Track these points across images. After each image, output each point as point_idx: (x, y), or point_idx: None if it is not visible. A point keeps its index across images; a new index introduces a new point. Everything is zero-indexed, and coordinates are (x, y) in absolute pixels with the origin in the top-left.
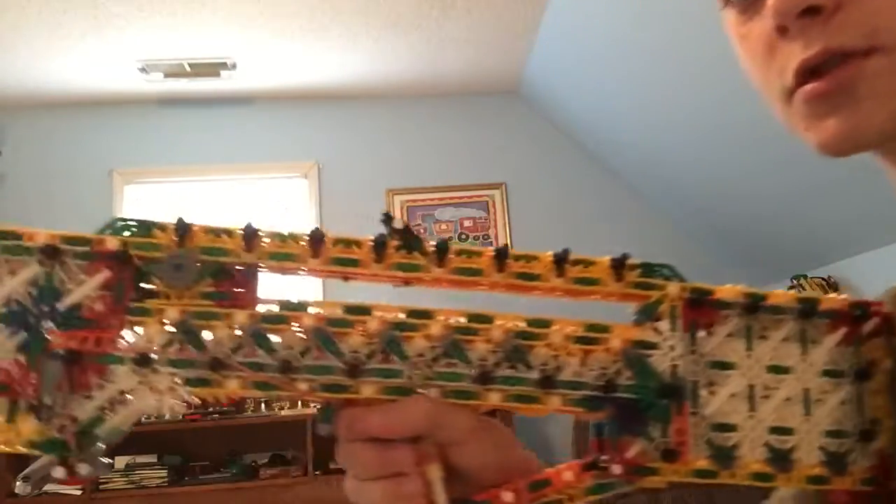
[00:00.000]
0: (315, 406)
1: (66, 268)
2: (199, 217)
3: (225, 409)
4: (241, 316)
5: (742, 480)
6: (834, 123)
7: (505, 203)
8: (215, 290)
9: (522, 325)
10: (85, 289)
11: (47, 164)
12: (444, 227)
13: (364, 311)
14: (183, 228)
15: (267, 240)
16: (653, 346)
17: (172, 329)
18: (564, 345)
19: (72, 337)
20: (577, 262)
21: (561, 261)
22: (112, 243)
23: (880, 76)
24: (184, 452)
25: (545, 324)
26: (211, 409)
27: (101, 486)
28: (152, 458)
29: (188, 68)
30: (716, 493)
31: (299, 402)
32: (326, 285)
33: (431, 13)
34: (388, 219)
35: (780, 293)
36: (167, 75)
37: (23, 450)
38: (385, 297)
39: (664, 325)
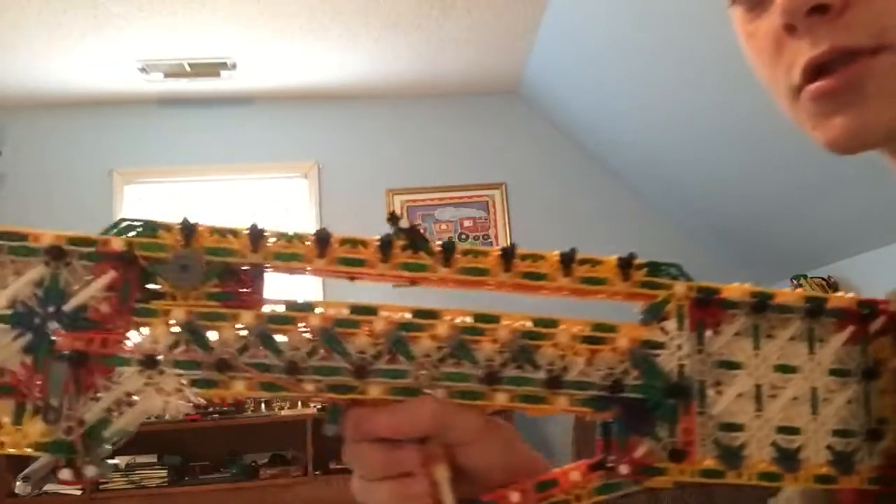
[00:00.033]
0: (315, 406)
1: (72, 269)
2: (198, 217)
3: (225, 409)
4: (247, 316)
5: (749, 480)
6: (841, 121)
7: (505, 203)
8: (221, 291)
9: (529, 324)
10: (91, 290)
11: (47, 165)
12: (444, 227)
13: (370, 311)
14: (188, 229)
15: (273, 240)
16: (660, 345)
17: (178, 330)
18: (571, 344)
19: (78, 338)
20: (583, 262)
21: (568, 260)
22: (117, 244)
23: (888, 75)
24: (184, 452)
25: (552, 323)
26: (211, 409)
27: (101, 486)
28: (152, 458)
29: (188, 68)
30: (716, 493)
31: (299, 403)
32: (327, 285)
33: (431, 13)
34: (394, 218)
35: (788, 292)
36: (167, 75)
37: (30, 452)
38: (385, 297)
39: (671, 324)
